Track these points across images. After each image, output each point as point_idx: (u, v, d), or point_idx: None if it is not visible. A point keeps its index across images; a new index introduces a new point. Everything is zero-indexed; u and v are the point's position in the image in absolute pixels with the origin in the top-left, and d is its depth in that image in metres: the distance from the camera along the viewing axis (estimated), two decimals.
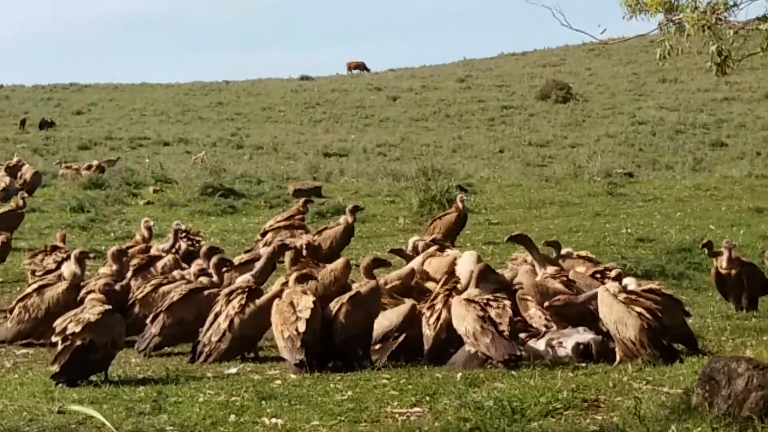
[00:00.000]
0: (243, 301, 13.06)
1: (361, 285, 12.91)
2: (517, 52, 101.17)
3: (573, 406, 10.20)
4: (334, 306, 12.68)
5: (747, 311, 15.24)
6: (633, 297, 12.32)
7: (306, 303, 12.48)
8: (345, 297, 12.70)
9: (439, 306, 12.79)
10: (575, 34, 13.47)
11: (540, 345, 12.47)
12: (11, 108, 67.19)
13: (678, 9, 14.76)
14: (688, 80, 72.62)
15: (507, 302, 12.76)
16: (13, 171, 31.44)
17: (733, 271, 15.39)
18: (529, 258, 14.02)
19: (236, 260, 15.54)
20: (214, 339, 12.95)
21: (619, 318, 12.07)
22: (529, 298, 13.30)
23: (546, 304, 13.13)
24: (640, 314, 11.95)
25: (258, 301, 13.09)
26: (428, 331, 12.63)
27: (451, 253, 14.79)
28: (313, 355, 12.15)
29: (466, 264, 14.01)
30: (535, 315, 13.11)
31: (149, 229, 17.85)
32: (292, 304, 12.53)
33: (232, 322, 12.91)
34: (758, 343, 13.09)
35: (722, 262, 15.45)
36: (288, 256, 14.80)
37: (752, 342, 13.21)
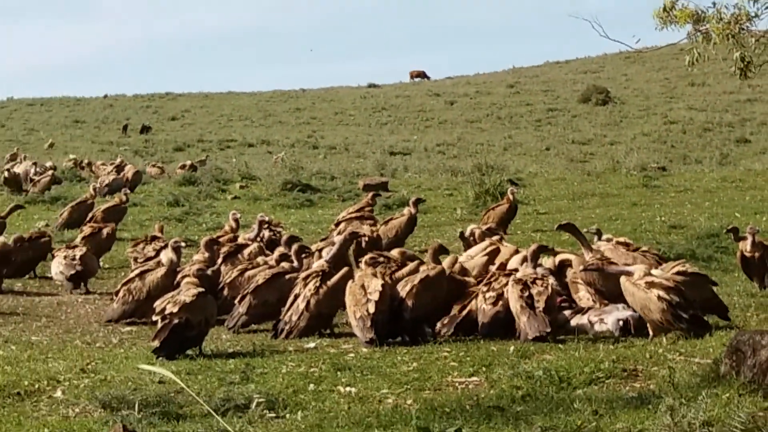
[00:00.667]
0: (318, 284, 13.10)
1: (429, 269, 12.91)
2: (561, 60, 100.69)
3: (614, 375, 10.15)
4: (403, 286, 12.69)
5: None
6: (651, 280, 12.22)
7: (375, 286, 12.49)
8: (416, 279, 12.71)
9: (497, 285, 12.75)
10: (613, 43, 13.37)
11: (584, 321, 12.41)
12: (115, 115, 67.64)
13: (705, 20, 14.62)
14: (715, 84, 72.01)
15: (550, 281, 12.73)
16: (117, 170, 31.75)
17: (757, 254, 15.28)
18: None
19: (313, 247, 15.59)
20: (294, 318, 13.00)
21: (642, 304, 12.01)
22: (579, 280, 13.23)
23: (581, 267, 13.13)
24: (659, 297, 11.86)
25: (330, 283, 13.13)
26: (485, 307, 12.58)
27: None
28: (381, 333, 12.16)
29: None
30: (584, 297, 13.02)
31: (236, 221, 17.95)
32: (363, 286, 12.55)
33: (308, 302, 12.96)
34: None
35: (747, 246, 15.34)
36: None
37: None
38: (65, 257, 16.45)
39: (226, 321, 13.68)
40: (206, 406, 9.09)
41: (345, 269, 13.49)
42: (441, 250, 13.39)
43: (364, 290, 12.50)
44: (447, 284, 12.88)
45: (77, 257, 16.44)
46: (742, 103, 65.20)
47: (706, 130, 54.06)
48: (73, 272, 16.25)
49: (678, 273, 13.11)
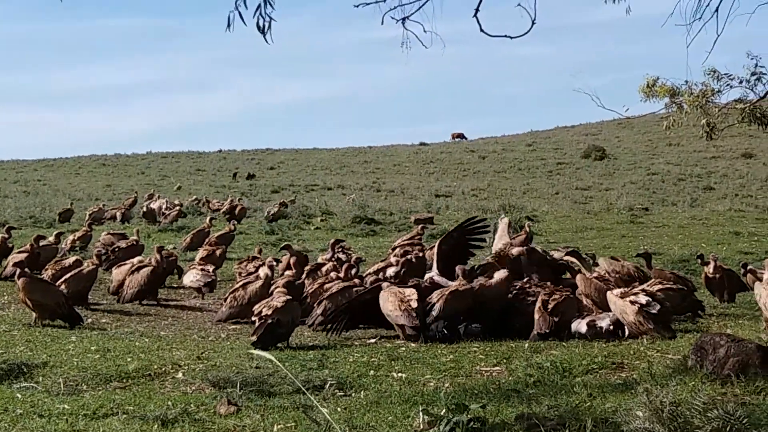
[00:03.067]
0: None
1: (459, 284, 12.84)
2: (568, 125, 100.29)
3: (605, 367, 10.05)
4: (437, 295, 12.64)
5: (728, 303, 14.94)
6: (628, 291, 12.20)
7: (411, 292, 12.57)
8: (446, 291, 12.65)
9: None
10: (608, 112, 13.37)
11: (582, 325, 12.30)
12: (227, 165, 68.16)
13: (679, 94, 14.55)
14: (687, 144, 71.41)
15: (566, 292, 12.65)
16: (230, 206, 32.07)
17: (718, 275, 15.12)
18: None
19: (374, 267, 15.61)
20: None
21: (621, 309, 11.94)
22: (583, 296, 13.09)
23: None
24: (632, 302, 11.81)
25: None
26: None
27: None
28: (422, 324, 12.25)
29: None
30: (585, 306, 12.89)
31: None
32: (399, 292, 12.60)
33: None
34: (735, 324, 12.82)
35: (710, 269, 15.18)
36: None
37: (731, 323, 12.94)
38: (202, 269, 16.62)
39: (306, 320, 13.73)
40: (297, 382, 9.11)
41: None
42: (471, 271, 13.31)
43: (402, 294, 12.60)
44: (472, 299, 12.74)
45: (211, 270, 16.63)
46: (708, 159, 64.61)
47: (680, 179, 53.55)
48: (209, 280, 16.42)
49: (665, 289, 13.11)
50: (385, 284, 13.28)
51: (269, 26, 8.75)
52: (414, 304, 12.38)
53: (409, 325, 12.26)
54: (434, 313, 12.38)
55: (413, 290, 12.67)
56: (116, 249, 19.51)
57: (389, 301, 12.63)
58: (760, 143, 68.31)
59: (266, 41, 8.73)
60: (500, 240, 15.22)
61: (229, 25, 8.80)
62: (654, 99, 15.15)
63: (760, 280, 13.01)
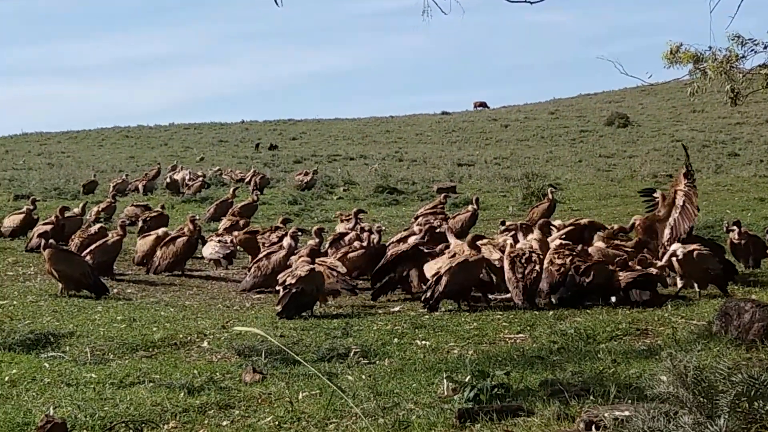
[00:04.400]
0: None
1: (470, 255, 12.70)
2: (591, 92, 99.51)
3: (629, 333, 10.06)
4: (445, 265, 12.54)
5: (753, 269, 14.87)
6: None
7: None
8: (454, 262, 12.52)
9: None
10: (632, 79, 13.26)
11: None
12: (249, 136, 68.15)
13: (703, 60, 14.40)
14: (711, 110, 70.84)
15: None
16: (253, 179, 32.16)
17: (743, 241, 15.05)
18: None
19: (397, 236, 15.62)
20: None
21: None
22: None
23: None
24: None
25: None
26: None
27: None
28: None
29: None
30: None
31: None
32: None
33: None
34: (760, 290, 12.79)
35: (735, 235, 15.11)
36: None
37: (756, 289, 12.90)
38: (219, 241, 16.64)
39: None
40: (297, 356, 9.16)
41: None
42: (477, 238, 13.17)
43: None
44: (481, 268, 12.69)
45: (229, 241, 16.65)
46: (733, 125, 64.09)
47: (704, 146, 53.17)
48: (228, 252, 16.44)
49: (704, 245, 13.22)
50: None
51: None
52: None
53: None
54: (440, 288, 12.24)
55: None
56: (147, 219, 19.82)
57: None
58: None
59: (276, 4, 8.70)
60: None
61: None
62: (677, 65, 14.99)
63: None
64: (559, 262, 12.42)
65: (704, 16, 13.57)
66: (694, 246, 12.87)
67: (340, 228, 17.29)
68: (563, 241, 13.14)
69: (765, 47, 14.08)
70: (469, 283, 12.43)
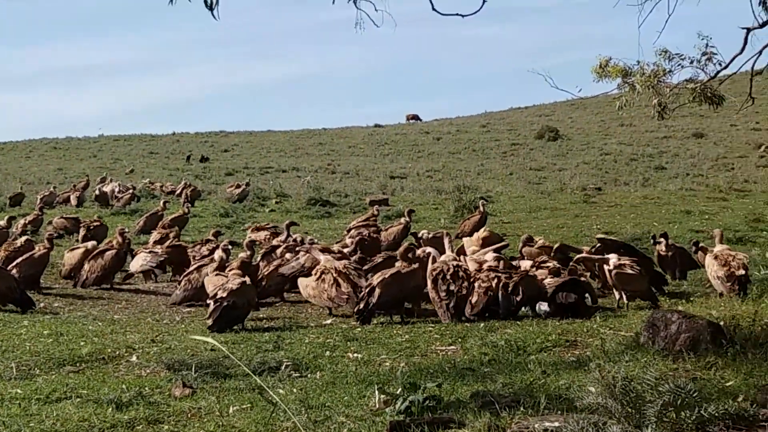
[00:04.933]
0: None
1: (402, 267, 12.72)
2: (522, 106, 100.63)
3: (559, 345, 10.15)
4: (378, 278, 12.56)
5: (679, 280, 15.11)
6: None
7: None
8: (387, 274, 12.55)
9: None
10: (562, 93, 13.39)
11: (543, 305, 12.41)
12: (180, 148, 67.58)
13: (631, 74, 14.61)
14: (639, 124, 71.98)
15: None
16: (184, 191, 31.84)
17: (670, 253, 15.29)
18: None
19: (334, 247, 15.60)
20: None
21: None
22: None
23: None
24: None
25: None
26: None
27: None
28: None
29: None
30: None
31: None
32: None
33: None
34: (686, 301, 12.98)
35: (662, 247, 15.34)
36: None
37: (682, 301, 13.10)
38: (150, 252, 16.45)
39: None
40: (245, 368, 9.09)
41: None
42: (409, 250, 13.19)
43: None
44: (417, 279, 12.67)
45: (159, 251, 16.46)
46: (660, 139, 65.19)
47: (632, 159, 53.99)
48: (161, 260, 16.25)
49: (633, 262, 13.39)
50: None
51: (217, 2, 8.63)
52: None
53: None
54: (373, 299, 12.27)
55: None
56: (91, 227, 20.25)
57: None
58: (711, 123, 69.08)
59: (214, 17, 8.62)
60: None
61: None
62: (606, 79, 15.17)
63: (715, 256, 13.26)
64: (485, 285, 12.44)
65: (634, 30, 13.71)
66: (625, 260, 13.07)
67: (252, 236, 17.32)
68: (492, 262, 13.19)
69: (691, 62, 14.34)
70: (403, 294, 12.45)
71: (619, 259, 13.10)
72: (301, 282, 13.47)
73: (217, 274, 13.42)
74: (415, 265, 12.67)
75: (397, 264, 12.79)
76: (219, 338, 11.03)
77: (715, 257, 13.23)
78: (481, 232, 16.65)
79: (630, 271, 12.80)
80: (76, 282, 15.79)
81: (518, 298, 12.20)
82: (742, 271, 12.94)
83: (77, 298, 14.90)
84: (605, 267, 12.94)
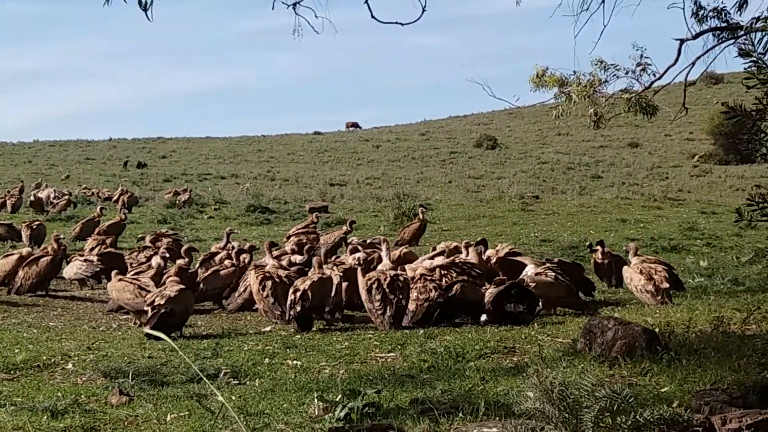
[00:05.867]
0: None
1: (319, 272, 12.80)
2: (461, 114, 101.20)
3: (497, 351, 10.20)
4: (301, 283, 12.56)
5: (615, 288, 15.27)
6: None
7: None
8: (307, 280, 12.59)
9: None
10: (500, 102, 13.53)
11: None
12: (117, 154, 66.93)
13: (567, 84, 14.79)
14: (576, 133, 72.81)
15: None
16: (121, 197, 31.48)
17: (606, 261, 15.44)
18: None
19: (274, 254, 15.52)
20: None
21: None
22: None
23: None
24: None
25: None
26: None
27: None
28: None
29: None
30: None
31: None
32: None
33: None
34: (622, 308, 13.14)
35: (598, 255, 15.50)
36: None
37: (618, 308, 13.25)
38: (85, 260, 16.19)
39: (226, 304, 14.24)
40: (198, 371, 9.03)
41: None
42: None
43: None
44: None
45: (95, 260, 16.20)
46: (596, 148, 66.01)
47: (569, 168, 54.62)
48: (97, 270, 15.97)
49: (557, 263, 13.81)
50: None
51: (151, 2, 8.56)
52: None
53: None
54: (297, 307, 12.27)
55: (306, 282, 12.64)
56: (34, 227, 21.24)
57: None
58: (646, 133, 70.11)
59: (147, 18, 8.55)
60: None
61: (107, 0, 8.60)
62: (543, 89, 15.37)
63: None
64: (423, 297, 12.47)
65: (570, 40, 13.94)
66: (542, 269, 13.24)
67: (213, 248, 17.18)
68: (427, 270, 13.23)
69: (627, 72, 14.57)
70: (323, 301, 12.47)
71: (537, 266, 13.27)
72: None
73: (120, 280, 13.26)
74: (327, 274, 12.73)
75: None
76: (156, 345, 10.92)
77: (640, 271, 13.40)
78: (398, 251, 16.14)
79: (546, 279, 12.97)
80: (10, 289, 15.52)
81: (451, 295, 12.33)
82: (666, 285, 13.18)
83: (11, 305, 14.65)
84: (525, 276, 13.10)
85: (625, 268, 13.90)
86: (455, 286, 12.44)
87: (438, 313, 12.31)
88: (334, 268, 13.28)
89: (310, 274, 12.85)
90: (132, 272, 14.57)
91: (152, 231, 20.15)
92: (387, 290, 12.14)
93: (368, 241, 17.21)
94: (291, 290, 12.37)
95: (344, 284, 12.90)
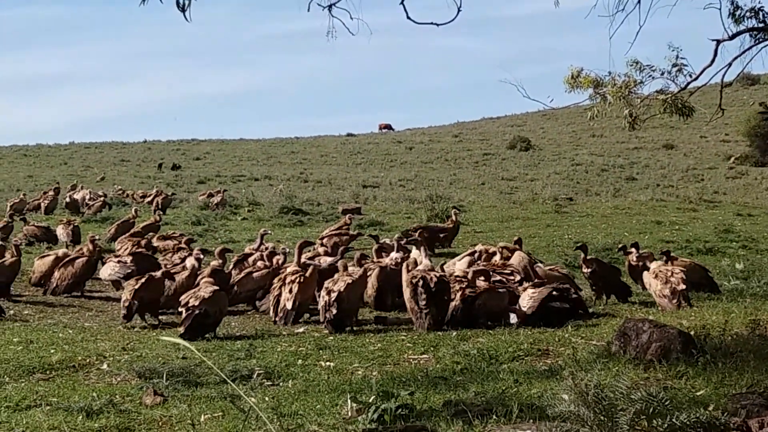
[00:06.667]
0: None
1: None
2: (494, 116, 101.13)
3: (531, 354, 10.17)
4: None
5: None
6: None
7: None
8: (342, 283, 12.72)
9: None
10: (534, 103, 13.47)
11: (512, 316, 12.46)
12: (152, 156, 67.39)
13: (602, 85, 14.68)
14: (610, 135, 72.49)
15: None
16: (155, 199, 31.66)
17: (640, 263, 15.33)
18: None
19: (305, 256, 15.54)
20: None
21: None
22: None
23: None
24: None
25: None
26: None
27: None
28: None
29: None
30: None
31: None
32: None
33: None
34: (657, 310, 13.04)
35: (632, 257, 15.40)
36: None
37: (653, 310, 13.16)
38: (119, 261, 16.25)
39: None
40: (222, 375, 9.05)
41: None
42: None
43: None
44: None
45: (128, 261, 16.23)
46: (631, 150, 65.67)
47: (603, 170, 54.34)
48: (128, 272, 16.00)
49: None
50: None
51: (189, 3, 8.57)
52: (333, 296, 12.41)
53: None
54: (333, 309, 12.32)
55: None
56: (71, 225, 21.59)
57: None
58: (681, 134, 69.66)
59: (186, 19, 8.55)
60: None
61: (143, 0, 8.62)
62: (578, 90, 15.23)
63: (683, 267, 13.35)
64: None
65: (605, 41, 13.78)
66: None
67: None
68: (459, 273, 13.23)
69: (662, 73, 14.44)
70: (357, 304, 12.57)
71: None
72: None
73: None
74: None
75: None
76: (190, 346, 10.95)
77: (656, 276, 13.34)
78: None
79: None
80: (47, 289, 15.66)
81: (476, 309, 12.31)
82: (683, 286, 13.10)
83: (47, 305, 14.79)
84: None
85: (644, 274, 13.84)
86: (477, 301, 12.38)
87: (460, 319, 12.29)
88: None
89: (338, 276, 12.79)
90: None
91: (162, 234, 20.29)
92: (434, 290, 12.14)
93: (403, 241, 17.15)
94: (324, 292, 12.42)
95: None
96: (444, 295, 12.23)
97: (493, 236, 22.94)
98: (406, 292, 12.37)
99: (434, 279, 12.27)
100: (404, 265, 12.78)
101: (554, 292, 12.47)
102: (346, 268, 12.93)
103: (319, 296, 12.76)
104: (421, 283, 12.20)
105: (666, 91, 14.72)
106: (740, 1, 13.32)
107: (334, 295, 12.19)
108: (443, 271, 13.51)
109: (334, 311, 12.15)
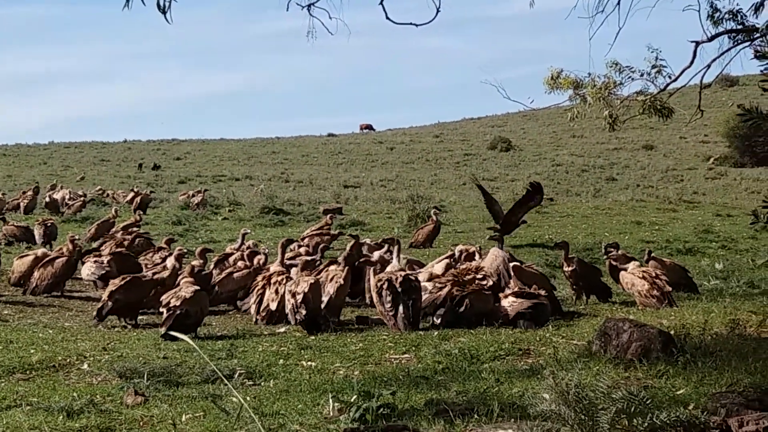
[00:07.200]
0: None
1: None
2: (475, 117, 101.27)
3: (512, 353, 10.19)
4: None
5: None
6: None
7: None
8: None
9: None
10: (514, 104, 13.53)
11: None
12: (132, 155, 67.16)
13: (582, 86, 14.76)
14: (590, 136, 72.73)
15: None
16: (135, 199, 31.52)
17: (619, 264, 15.37)
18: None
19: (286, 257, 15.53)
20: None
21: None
22: None
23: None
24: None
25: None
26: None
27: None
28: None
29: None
30: None
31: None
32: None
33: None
34: (637, 310, 13.10)
35: (613, 257, 15.44)
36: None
37: (634, 309, 13.22)
38: (95, 261, 16.19)
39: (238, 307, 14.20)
40: (217, 370, 9.03)
41: None
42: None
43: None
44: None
45: (105, 262, 16.17)
46: (611, 150, 65.91)
47: (583, 170, 54.52)
48: (102, 272, 15.95)
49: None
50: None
51: (169, 5, 8.58)
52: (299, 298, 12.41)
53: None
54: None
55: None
56: (48, 225, 21.50)
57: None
58: (661, 135, 69.96)
59: (167, 20, 8.56)
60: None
61: (127, 3, 8.59)
62: (558, 91, 15.33)
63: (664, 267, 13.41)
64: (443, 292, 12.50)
65: (585, 42, 13.89)
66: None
67: (227, 249, 17.23)
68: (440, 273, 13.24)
69: (642, 74, 14.52)
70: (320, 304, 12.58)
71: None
72: None
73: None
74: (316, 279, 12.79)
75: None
76: (171, 346, 10.94)
77: (642, 277, 13.41)
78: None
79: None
80: (26, 289, 15.59)
81: (461, 311, 12.26)
82: (669, 288, 13.20)
83: (27, 305, 14.71)
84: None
85: (622, 274, 13.89)
86: (465, 301, 12.36)
87: (447, 321, 12.28)
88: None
89: (299, 277, 12.74)
90: (148, 272, 14.58)
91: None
92: (399, 290, 12.12)
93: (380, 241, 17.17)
94: (289, 295, 12.37)
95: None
96: (412, 294, 12.20)
97: (474, 236, 22.99)
98: (374, 297, 12.38)
99: (399, 278, 12.26)
100: (371, 270, 12.75)
101: (530, 309, 12.32)
102: (305, 268, 12.89)
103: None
104: (386, 285, 12.19)
105: (645, 92, 14.81)
106: (719, 4, 13.42)
107: (299, 297, 12.17)
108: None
109: (304, 312, 12.13)
